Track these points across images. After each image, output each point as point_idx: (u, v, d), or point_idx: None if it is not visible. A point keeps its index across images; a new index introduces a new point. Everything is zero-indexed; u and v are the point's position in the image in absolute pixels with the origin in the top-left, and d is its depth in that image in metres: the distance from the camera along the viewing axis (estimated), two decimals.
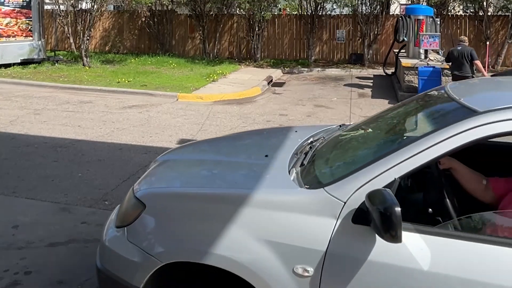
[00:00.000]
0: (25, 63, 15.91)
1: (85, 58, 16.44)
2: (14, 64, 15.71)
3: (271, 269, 2.23)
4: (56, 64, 16.18)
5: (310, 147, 3.03)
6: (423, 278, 2.02)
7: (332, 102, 11.72)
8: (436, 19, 14.13)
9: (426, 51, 13.09)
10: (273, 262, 2.22)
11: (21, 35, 16.12)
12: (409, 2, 17.99)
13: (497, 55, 16.32)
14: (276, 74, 15.85)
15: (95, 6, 16.63)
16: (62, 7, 17.74)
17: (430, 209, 2.46)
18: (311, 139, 3.24)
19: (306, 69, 16.97)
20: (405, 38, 13.81)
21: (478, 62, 10.32)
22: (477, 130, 2.10)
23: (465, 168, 2.71)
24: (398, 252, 2.07)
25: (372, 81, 14.70)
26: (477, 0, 16.54)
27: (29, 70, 15.26)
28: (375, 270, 2.11)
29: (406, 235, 2.04)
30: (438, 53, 13.44)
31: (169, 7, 18.97)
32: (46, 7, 18.40)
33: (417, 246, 2.07)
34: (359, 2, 17.41)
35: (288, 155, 2.88)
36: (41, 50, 16.44)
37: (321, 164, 2.68)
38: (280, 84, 14.46)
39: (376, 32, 17.63)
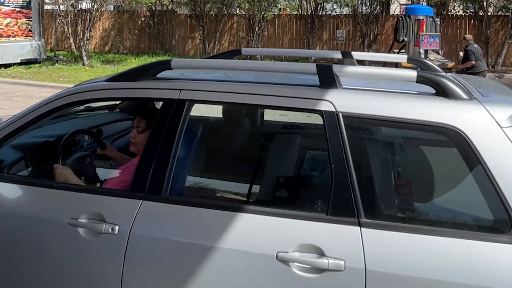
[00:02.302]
0: (25, 63, 15.91)
1: (85, 58, 16.44)
2: (14, 64, 15.72)
3: None
4: (56, 64, 16.19)
5: None
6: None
7: None
8: (436, 19, 14.12)
9: (426, 51, 13.07)
10: None
11: (21, 35, 16.13)
12: (409, 2, 17.99)
13: (497, 55, 16.31)
14: None
15: (95, 6, 16.64)
16: (62, 7, 17.73)
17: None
18: None
19: None
20: (405, 38, 13.79)
21: None
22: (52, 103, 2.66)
23: (117, 154, 3.38)
24: None
25: None
26: (477, 0, 16.54)
27: (29, 70, 15.26)
28: None
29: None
30: (438, 53, 13.44)
31: (169, 7, 18.98)
32: (46, 7, 18.42)
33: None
34: (359, 2, 17.41)
35: None
36: (41, 50, 16.45)
37: None
38: None
39: (376, 32, 17.63)
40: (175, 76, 2.67)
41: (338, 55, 3.36)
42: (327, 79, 2.27)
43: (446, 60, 12.24)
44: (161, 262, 2.28)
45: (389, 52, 15.32)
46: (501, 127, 2.02)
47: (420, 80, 2.20)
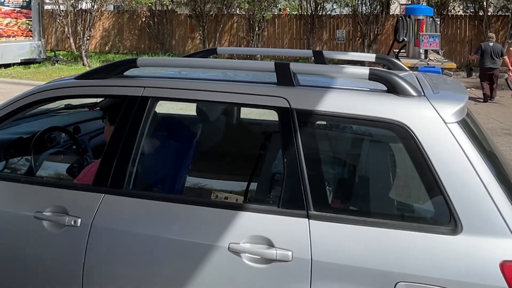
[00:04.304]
0: (25, 63, 15.91)
1: (85, 58, 16.44)
2: (14, 64, 15.72)
3: None
4: (56, 64, 16.19)
5: None
6: None
7: None
8: (436, 19, 14.12)
9: (426, 51, 13.06)
10: None
11: (21, 35, 16.13)
12: (409, 2, 17.98)
13: None
14: None
15: (95, 6, 16.64)
16: (62, 7, 17.73)
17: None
18: None
19: None
20: (405, 38, 13.79)
21: (506, 58, 12.30)
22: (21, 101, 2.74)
23: None
24: None
25: None
26: (477, 0, 16.54)
27: (29, 70, 15.26)
28: None
29: None
30: (438, 53, 13.44)
31: (169, 7, 18.97)
32: (46, 7, 18.41)
33: None
34: (359, 2, 17.41)
35: None
36: (41, 50, 16.44)
37: None
38: None
39: (376, 32, 17.62)
40: (143, 74, 2.71)
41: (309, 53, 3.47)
42: (284, 77, 2.32)
43: (446, 60, 12.23)
44: (121, 254, 2.35)
45: (389, 52, 15.33)
46: (445, 122, 2.07)
47: (372, 77, 2.24)
